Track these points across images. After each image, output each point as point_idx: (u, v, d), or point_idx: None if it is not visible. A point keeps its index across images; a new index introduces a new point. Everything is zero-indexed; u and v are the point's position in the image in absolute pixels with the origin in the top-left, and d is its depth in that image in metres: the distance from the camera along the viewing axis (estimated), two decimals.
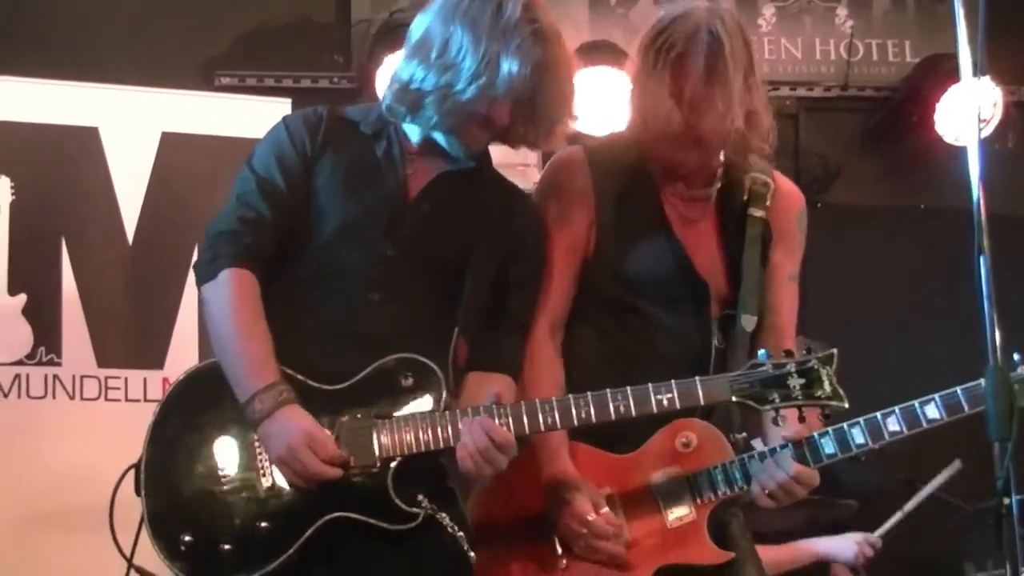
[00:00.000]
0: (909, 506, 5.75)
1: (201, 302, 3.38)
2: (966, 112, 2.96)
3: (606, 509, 3.42)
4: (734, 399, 3.22)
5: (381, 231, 3.37)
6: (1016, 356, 3.19)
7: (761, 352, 3.26)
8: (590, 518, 3.38)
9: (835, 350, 3.23)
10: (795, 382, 3.20)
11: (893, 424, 3.34)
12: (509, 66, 3.22)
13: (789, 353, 3.24)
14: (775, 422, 3.23)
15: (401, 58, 3.39)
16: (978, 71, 2.84)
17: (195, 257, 3.53)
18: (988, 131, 6.36)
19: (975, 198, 2.75)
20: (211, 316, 3.33)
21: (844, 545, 5.63)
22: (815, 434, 3.37)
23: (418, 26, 3.37)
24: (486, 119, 3.34)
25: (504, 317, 3.47)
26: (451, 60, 3.25)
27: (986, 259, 2.71)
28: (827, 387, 3.20)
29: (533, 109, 3.34)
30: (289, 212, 3.38)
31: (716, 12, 3.47)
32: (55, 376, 5.20)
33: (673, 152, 3.50)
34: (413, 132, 3.46)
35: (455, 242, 3.41)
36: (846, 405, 3.21)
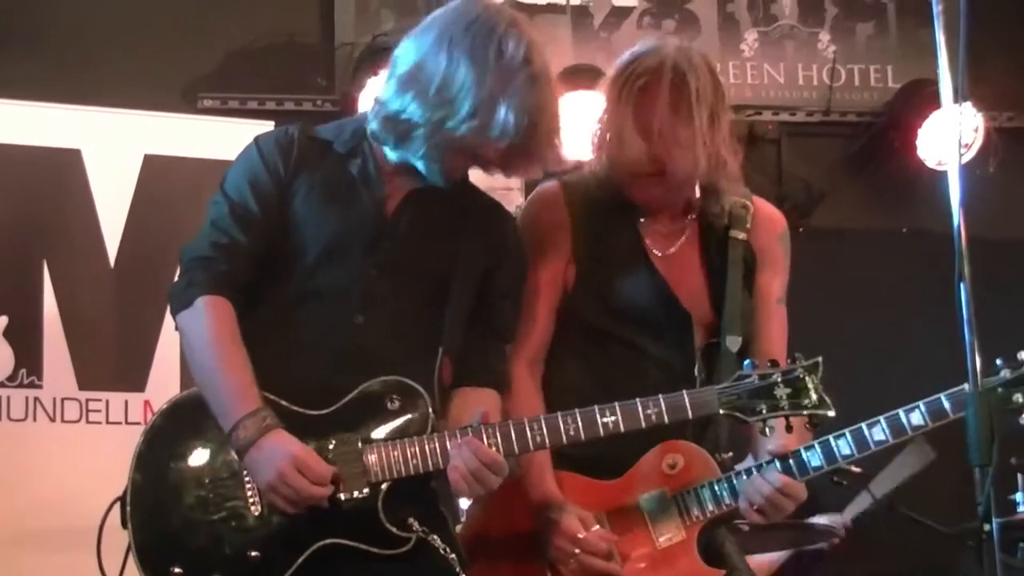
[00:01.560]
0: (877, 491, 5.69)
1: (178, 329, 3.34)
2: (948, 137, 2.97)
3: (597, 526, 3.41)
4: (722, 411, 3.23)
5: (362, 251, 3.34)
6: (999, 362, 3.20)
7: (746, 363, 3.26)
8: (580, 535, 3.37)
9: (820, 358, 3.23)
10: (781, 392, 3.20)
11: (879, 433, 3.34)
12: (505, 113, 3.19)
13: (775, 363, 3.25)
14: (763, 432, 3.23)
15: (391, 87, 3.32)
16: (959, 97, 2.85)
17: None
18: (969, 156, 6.37)
19: (956, 225, 2.75)
20: (189, 345, 3.30)
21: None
22: (801, 448, 3.37)
23: (408, 53, 3.32)
24: (474, 155, 3.32)
25: (488, 330, 3.46)
26: (450, 97, 3.20)
27: (966, 286, 2.72)
28: (813, 396, 3.20)
29: (518, 149, 3.31)
30: (264, 236, 3.34)
31: (685, 50, 3.49)
32: (36, 398, 5.18)
33: (640, 189, 3.52)
34: (390, 151, 3.41)
35: (436, 257, 3.38)
36: (832, 413, 3.21)
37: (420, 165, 3.35)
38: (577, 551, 3.37)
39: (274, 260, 3.35)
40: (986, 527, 2.66)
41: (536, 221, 3.65)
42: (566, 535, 3.38)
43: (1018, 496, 5.49)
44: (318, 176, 3.40)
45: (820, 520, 5.60)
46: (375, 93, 3.43)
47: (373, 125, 3.36)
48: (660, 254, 3.61)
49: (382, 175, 3.41)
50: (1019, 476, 5.45)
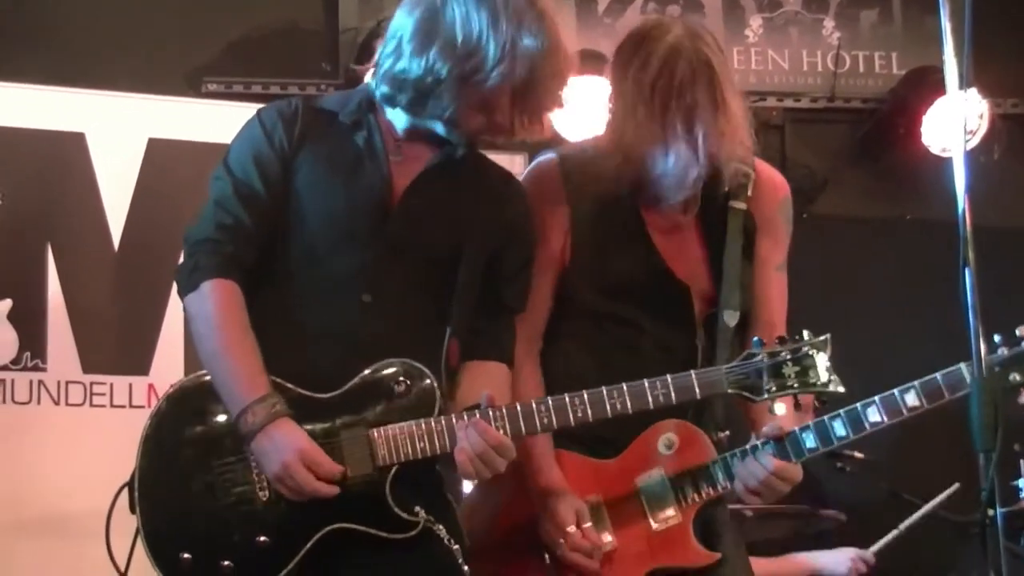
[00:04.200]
0: (904, 525, 5.73)
1: (185, 313, 3.33)
2: (952, 124, 2.97)
3: (588, 524, 3.41)
4: (730, 391, 3.22)
5: (370, 229, 3.31)
6: (997, 338, 3.19)
7: (754, 340, 3.25)
8: (569, 530, 3.37)
9: (828, 335, 3.23)
10: (790, 370, 3.20)
11: (874, 414, 3.33)
12: (526, 44, 3.18)
13: (783, 340, 3.24)
14: (771, 411, 3.24)
15: (406, 51, 3.25)
16: (964, 83, 2.85)
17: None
18: (974, 143, 6.37)
19: (961, 211, 2.75)
20: (197, 330, 3.28)
21: (837, 560, 5.61)
22: (796, 429, 3.37)
23: (411, 17, 3.26)
24: (491, 105, 3.27)
25: (498, 305, 3.43)
26: (473, 46, 3.17)
27: (971, 272, 2.72)
28: (823, 374, 3.19)
29: (529, 94, 3.28)
30: (269, 215, 3.31)
31: (696, 36, 3.45)
32: (40, 382, 5.18)
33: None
34: (398, 119, 3.38)
35: (446, 235, 3.35)
36: (842, 390, 3.21)
37: (438, 127, 3.31)
38: (561, 541, 3.38)
39: (280, 237, 3.33)
40: (990, 513, 2.66)
41: (534, 196, 3.59)
42: (556, 525, 3.39)
43: (1022, 483, 5.49)
44: (323, 149, 3.36)
45: (846, 552, 5.61)
46: (377, 65, 3.35)
47: (384, 89, 3.32)
48: (658, 228, 3.58)
49: (389, 147, 3.37)
50: (1022, 463, 5.44)
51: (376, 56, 3.37)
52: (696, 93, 3.38)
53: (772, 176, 3.72)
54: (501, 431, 3.15)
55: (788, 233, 3.71)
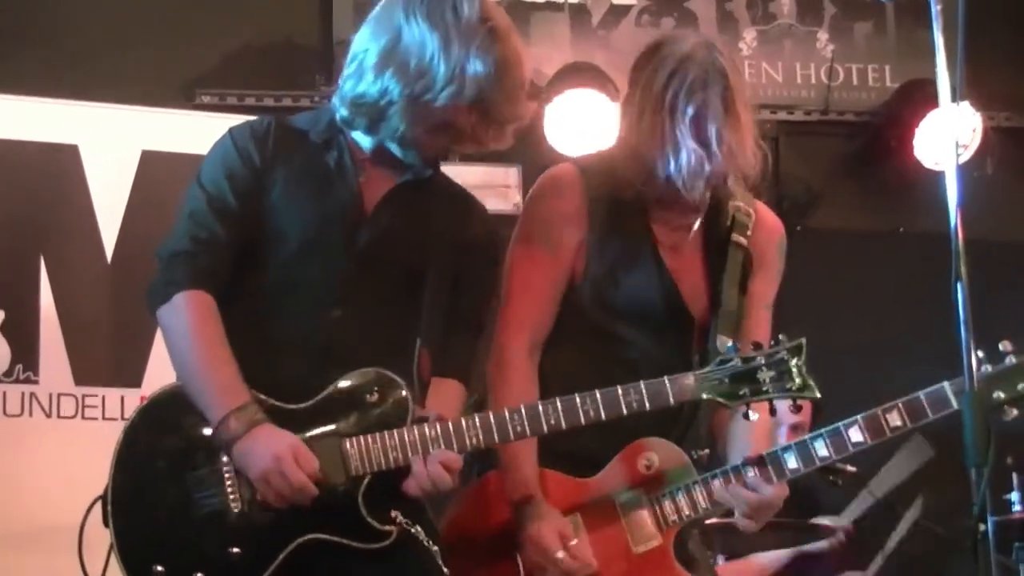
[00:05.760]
0: (877, 490, 5.68)
1: (159, 325, 3.33)
2: (945, 137, 2.97)
3: (575, 541, 3.39)
4: (704, 396, 3.20)
5: (340, 245, 3.33)
6: (980, 354, 3.15)
7: (728, 346, 3.24)
8: (558, 556, 3.35)
9: (803, 339, 3.20)
10: (765, 375, 3.17)
11: (856, 434, 3.31)
12: (474, 69, 3.19)
13: (757, 345, 3.22)
14: (746, 416, 3.20)
15: (367, 75, 3.28)
16: (957, 96, 2.85)
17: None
18: (967, 156, 6.38)
19: (953, 225, 2.75)
20: (171, 342, 3.29)
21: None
22: (778, 448, 3.36)
23: (373, 38, 3.30)
24: (449, 125, 3.29)
25: (455, 319, 3.45)
26: (424, 67, 3.20)
27: (963, 286, 2.72)
28: (797, 378, 3.17)
29: (487, 108, 3.29)
30: (242, 229, 3.33)
31: (713, 47, 3.48)
32: (32, 394, 5.18)
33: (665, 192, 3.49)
34: (364, 140, 3.40)
35: (414, 253, 3.38)
36: (817, 395, 3.18)
37: (395, 148, 3.34)
38: (551, 568, 3.36)
39: (251, 252, 3.34)
40: (981, 527, 2.66)
41: (552, 206, 3.61)
42: (542, 552, 3.36)
43: (1014, 495, 5.49)
44: (294, 167, 3.39)
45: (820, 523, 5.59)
46: (341, 88, 3.38)
47: (343, 112, 3.35)
48: (667, 246, 3.59)
49: (359, 166, 3.40)
50: (1014, 475, 5.45)
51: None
52: (707, 95, 3.39)
53: (771, 217, 3.75)
54: (474, 440, 3.17)
55: (780, 272, 3.73)
